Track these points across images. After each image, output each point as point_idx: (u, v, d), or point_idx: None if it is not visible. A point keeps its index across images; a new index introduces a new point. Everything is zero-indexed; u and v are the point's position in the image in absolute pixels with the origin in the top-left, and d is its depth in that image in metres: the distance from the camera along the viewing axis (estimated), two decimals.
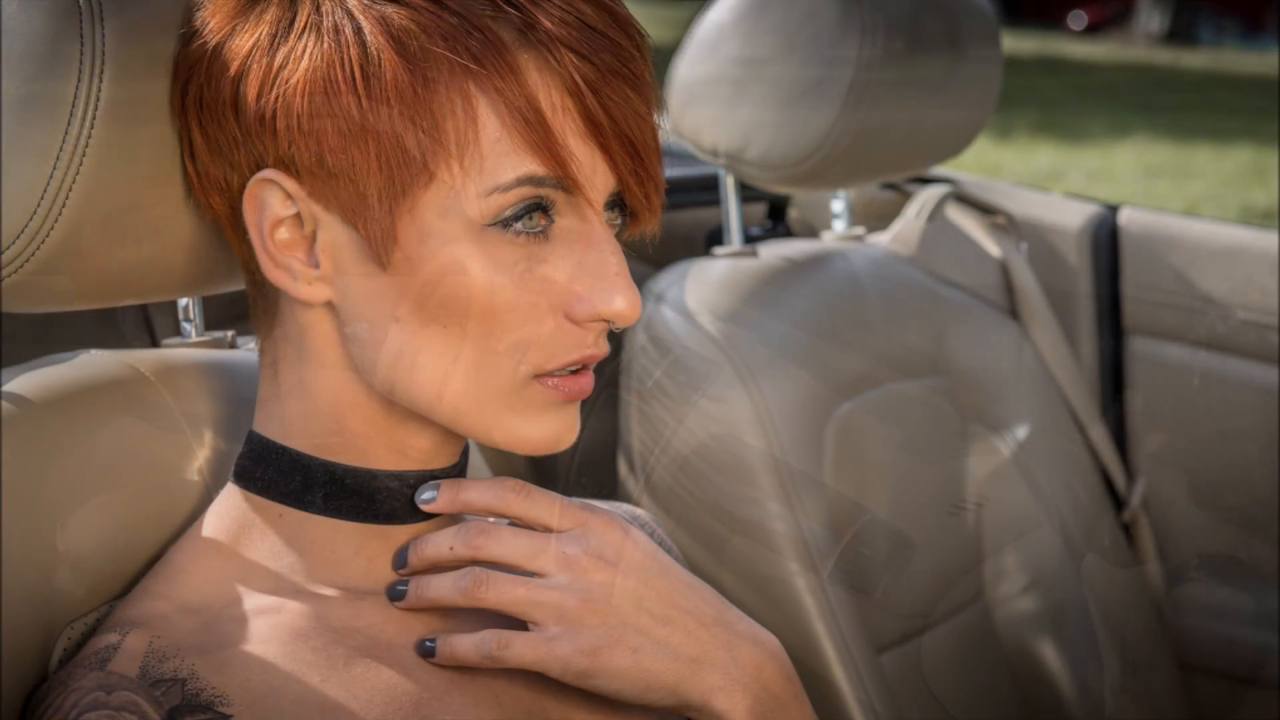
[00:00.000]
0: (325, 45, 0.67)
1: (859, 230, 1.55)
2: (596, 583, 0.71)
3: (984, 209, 1.64)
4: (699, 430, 1.28)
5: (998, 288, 1.60)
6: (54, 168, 0.70)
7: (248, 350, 0.89)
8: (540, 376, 0.71)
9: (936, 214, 1.54)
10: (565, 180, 0.68)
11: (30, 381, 0.77)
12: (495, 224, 0.68)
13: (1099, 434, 1.61)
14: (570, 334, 0.70)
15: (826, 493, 1.31)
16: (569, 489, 0.84)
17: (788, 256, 1.40)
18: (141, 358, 0.82)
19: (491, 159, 0.67)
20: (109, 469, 0.76)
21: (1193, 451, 1.65)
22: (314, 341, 0.72)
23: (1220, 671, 1.62)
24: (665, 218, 0.75)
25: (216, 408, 0.82)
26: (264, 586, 0.73)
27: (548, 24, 0.67)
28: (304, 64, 0.68)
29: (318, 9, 0.68)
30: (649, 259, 1.45)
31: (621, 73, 0.69)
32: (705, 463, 1.28)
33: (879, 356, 1.41)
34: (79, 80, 0.70)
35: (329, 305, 0.71)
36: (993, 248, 1.62)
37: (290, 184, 0.69)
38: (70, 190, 0.70)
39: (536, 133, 0.67)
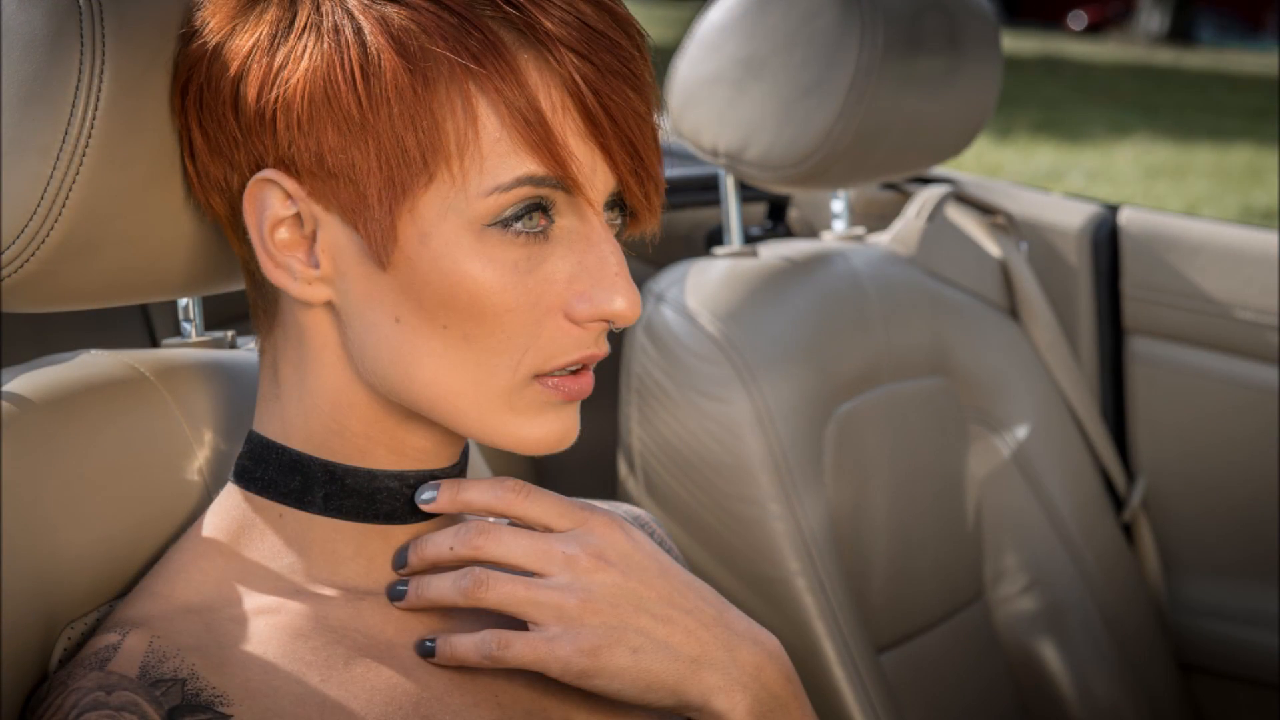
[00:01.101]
0: (325, 45, 0.67)
1: (859, 230, 1.55)
2: (597, 583, 0.71)
3: (984, 209, 1.64)
4: (699, 430, 1.28)
5: (998, 288, 1.60)
6: (54, 167, 0.70)
7: (248, 350, 0.89)
8: (540, 376, 0.71)
9: (936, 214, 1.54)
10: (565, 180, 0.68)
11: (30, 381, 0.77)
12: (495, 224, 0.68)
13: (1099, 434, 1.61)
14: (570, 334, 0.70)
15: (826, 493, 1.31)
16: (569, 489, 0.84)
17: (788, 256, 1.40)
18: (141, 358, 0.82)
19: (492, 159, 0.67)
20: (109, 469, 0.76)
21: (1192, 451, 1.64)
22: (314, 341, 0.72)
23: (1220, 671, 1.62)
24: (665, 218, 0.75)
25: (216, 408, 0.82)
26: (264, 586, 0.73)
27: (548, 24, 0.67)
28: (304, 64, 0.68)
29: (318, 9, 0.68)
30: (649, 259, 1.45)
31: (621, 73, 0.69)
32: (705, 463, 1.28)
33: (879, 356, 1.41)
34: (79, 81, 0.70)
35: (329, 305, 0.71)
36: (993, 248, 1.62)
37: (290, 184, 0.69)
38: (70, 190, 0.70)
39: (536, 133, 0.67)
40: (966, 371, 1.50)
